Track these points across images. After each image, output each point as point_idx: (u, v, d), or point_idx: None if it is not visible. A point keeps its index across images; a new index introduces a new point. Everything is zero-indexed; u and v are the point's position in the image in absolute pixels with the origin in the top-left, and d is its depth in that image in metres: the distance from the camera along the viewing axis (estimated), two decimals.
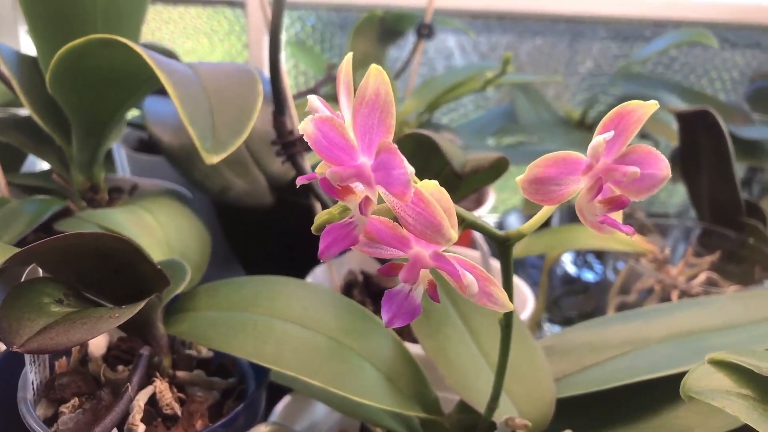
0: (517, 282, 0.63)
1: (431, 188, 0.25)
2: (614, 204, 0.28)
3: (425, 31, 0.81)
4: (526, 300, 0.61)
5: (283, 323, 0.43)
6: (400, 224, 0.27)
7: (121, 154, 0.87)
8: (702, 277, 0.62)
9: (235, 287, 0.47)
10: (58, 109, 0.58)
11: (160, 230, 0.57)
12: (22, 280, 0.37)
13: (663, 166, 0.29)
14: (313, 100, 0.30)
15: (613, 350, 0.46)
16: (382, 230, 0.27)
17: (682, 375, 0.42)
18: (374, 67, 0.23)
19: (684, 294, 0.60)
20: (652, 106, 0.28)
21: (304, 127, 0.26)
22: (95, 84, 0.52)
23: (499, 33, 1.11)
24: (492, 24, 1.11)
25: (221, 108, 0.45)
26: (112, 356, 0.44)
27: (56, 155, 0.67)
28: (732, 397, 0.30)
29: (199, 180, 0.63)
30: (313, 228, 0.29)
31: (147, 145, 0.93)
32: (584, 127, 0.96)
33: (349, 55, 0.32)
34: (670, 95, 0.89)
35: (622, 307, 0.68)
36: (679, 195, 1.08)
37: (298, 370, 0.40)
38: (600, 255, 0.89)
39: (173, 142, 0.64)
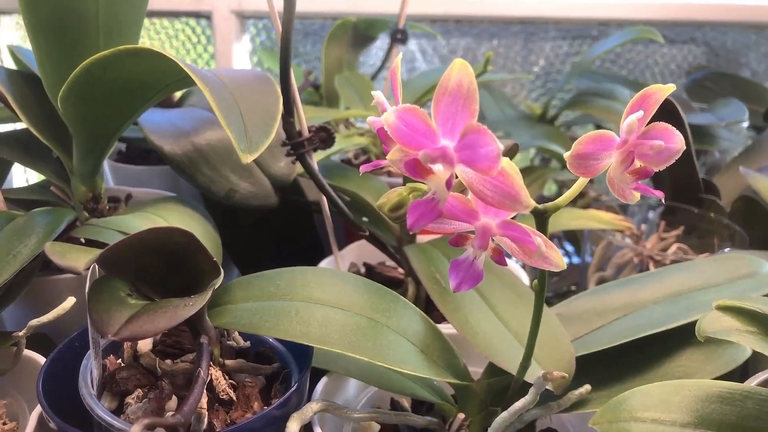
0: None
1: (506, 164, 0.29)
2: (641, 174, 0.33)
3: (399, 36, 0.86)
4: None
5: (323, 307, 0.46)
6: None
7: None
8: (673, 248, 0.69)
9: (267, 280, 0.49)
10: (58, 121, 0.59)
11: None
12: (88, 280, 0.39)
13: (678, 140, 0.34)
14: (379, 95, 0.33)
15: (616, 313, 0.51)
16: (455, 205, 0.31)
17: (679, 329, 0.48)
18: (458, 61, 0.27)
19: (659, 264, 0.67)
20: (670, 88, 0.33)
21: (386, 118, 0.29)
22: (110, 95, 0.53)
23: (457, 36, 1.17)
24: (450, 27, 1.16)
25: (249, 112, 0.48)
26: (157, 351, 0.46)
27: (52, 167, 0.67)
28: (743, 334, 0.36)
29: (204, 184, 0.65)
30: (387, 207, 0.33)
31: (126, 156, 0.94)
32: (545, 120, 1.02)
33: (399, 59, 0.36)
34: (622, 88, 0.97)
35: (601, 281, 0.74)
36: None
37: (344, 347, 0.43)
38: (571, 238, 0.96)
39: (175, 150, 0.65)
